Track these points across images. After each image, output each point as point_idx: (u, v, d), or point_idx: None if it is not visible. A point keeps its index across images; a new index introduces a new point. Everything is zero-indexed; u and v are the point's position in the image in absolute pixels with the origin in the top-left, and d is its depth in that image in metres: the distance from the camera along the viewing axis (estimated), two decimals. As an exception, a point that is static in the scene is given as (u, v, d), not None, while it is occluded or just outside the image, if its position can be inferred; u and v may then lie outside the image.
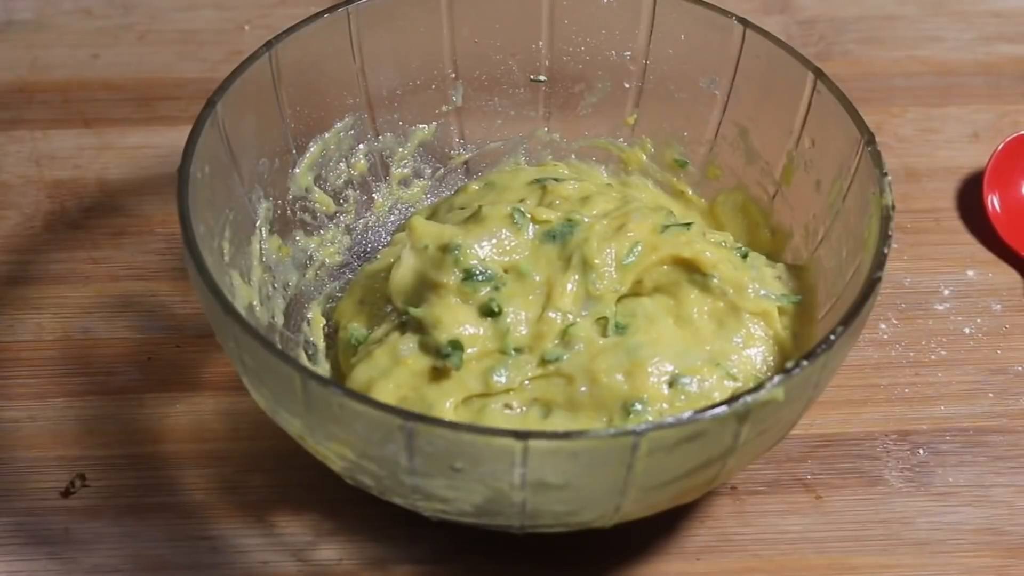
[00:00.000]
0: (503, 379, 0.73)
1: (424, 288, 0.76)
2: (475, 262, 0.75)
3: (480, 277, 0.75)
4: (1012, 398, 0.83)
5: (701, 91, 0.84)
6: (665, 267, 0.77)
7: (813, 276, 0.79)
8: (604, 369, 0.73)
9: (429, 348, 0.74)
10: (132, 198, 0.92)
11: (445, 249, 0.75)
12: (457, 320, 0.74)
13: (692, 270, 0.76)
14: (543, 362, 0.74)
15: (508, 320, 0.74)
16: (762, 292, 0.77)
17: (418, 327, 0.75)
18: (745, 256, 0.79)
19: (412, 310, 0.75)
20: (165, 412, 0.81)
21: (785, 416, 0.69)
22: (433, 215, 0.84)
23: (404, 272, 0.77)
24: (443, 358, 0.73)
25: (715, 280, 0.76)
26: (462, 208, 0.83)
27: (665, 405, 0.72)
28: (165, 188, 0.90)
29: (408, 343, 0.74)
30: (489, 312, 0.74)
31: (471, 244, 0.76)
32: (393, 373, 0.73)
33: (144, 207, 0.91)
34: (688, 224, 0.78)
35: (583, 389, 0.73)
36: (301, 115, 0.81)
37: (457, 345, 0.73)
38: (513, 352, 0.74)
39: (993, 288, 0.88)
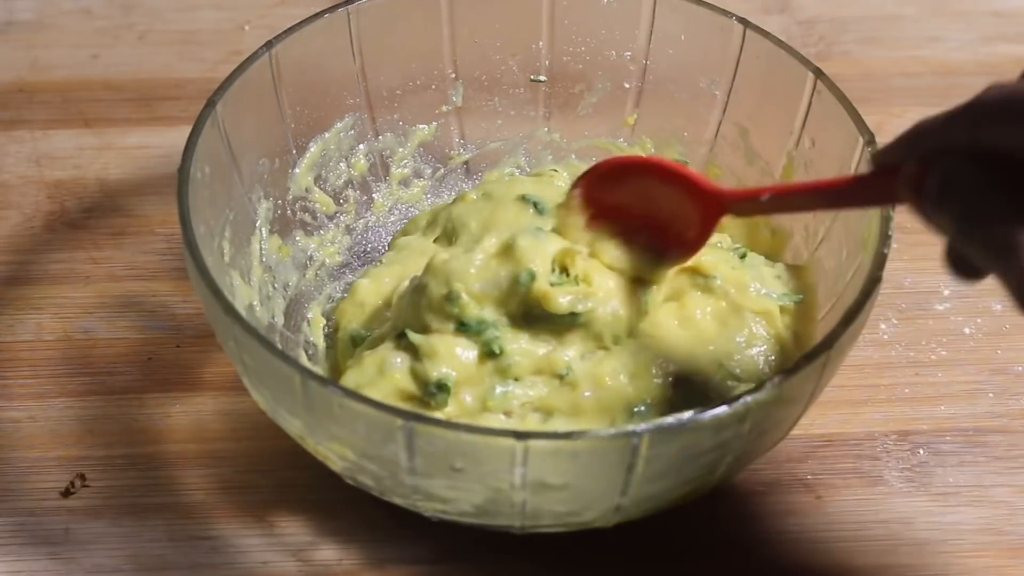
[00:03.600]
0: (500, 401, 0.72)
1: (424, 321, 0.74)
2: (473, 313, 0.73)
3: (476, 328, 0.73)
4: (1012, 398, 0.83)
5: (701, 91, 0.84)
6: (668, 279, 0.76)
7: (813, 276, 0.79)
8: (609, 373, 0.73)
9: (418, 375, 0.72)
10: (132, 198, 0.92)
11: (447, 297, 0.73)
12: (452, 352, 0.72)
13: (694, 274, 0.76)
14: (548, 381, 0.73)
15: (512, 360, 0.73)
16: (763, 291, 0.77)
17: (412, 348, 0.73)
18: (743, 257, 0.79)
19: (411, 335, 0.74)
20: (165, 412, 0.81)
21: (785, 416, 0.69)
22: (433, 221, 0.84)
23: (412, 299, 0.75)
24: (429, 394, 0.72)
25: (717, 281, 0.76)
26: (462, 225, 0.81)
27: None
28: (165, 188, 0.90)
29: (398, 358, 0.73)
30: (490, 353, 0.73)
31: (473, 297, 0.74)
32: (380, 384, 0.72)
33: (144, 207, 0.91)
34: None
35: (587, 394, 0.72)
36: (301, 115, 0.81)
37: (443, 387, 0.72)
38: (514, 381, 0.73)
39: (993, 288, 0.87)
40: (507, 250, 0.74)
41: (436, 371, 0.72)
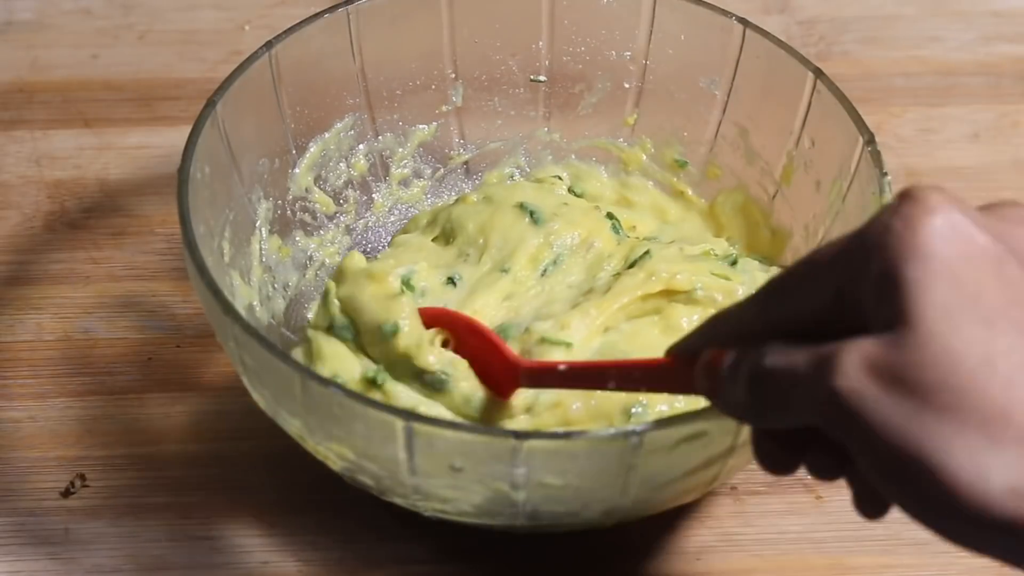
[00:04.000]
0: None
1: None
2: (337, 315, 0.74)
3: (338, 333, 0.73)
4: (1012, 398, 0.82)
5: (701, 91, 0.84)
6: (639, 303, 0.76)
7: (813, 276, 0.79)
8: None
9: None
10: (132, 198, 0.92)
11: (325, 294, 0.74)
12: (338, 356, 0.73)
13: (671, 294, 0.76)
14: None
15: (400, 399, 0.72)
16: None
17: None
18: (734, 263, 0.78)
19: (309, 331, 0.74)
20: (165, 412, 0.81)
21: (785, 416, 0.69)
22: (433, 221, 0.84)
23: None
24: None
25: (699, 291, 0.76)
26: (460, 226, 0.81)
27: (665, 407, 0.72)
28: (165, 188, 0.90)
29: (299, 357, 0.74)
30: (372, 383, 0.73)
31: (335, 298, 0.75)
32: None
33: (144, 207, 0.91)
34: (647, 252, 0.78)
35: (576, 406, 0.72)
36: (301, 115, 0.82)
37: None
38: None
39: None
40: (389, 299, 0.73)
41: (326, 370, 0.72)
